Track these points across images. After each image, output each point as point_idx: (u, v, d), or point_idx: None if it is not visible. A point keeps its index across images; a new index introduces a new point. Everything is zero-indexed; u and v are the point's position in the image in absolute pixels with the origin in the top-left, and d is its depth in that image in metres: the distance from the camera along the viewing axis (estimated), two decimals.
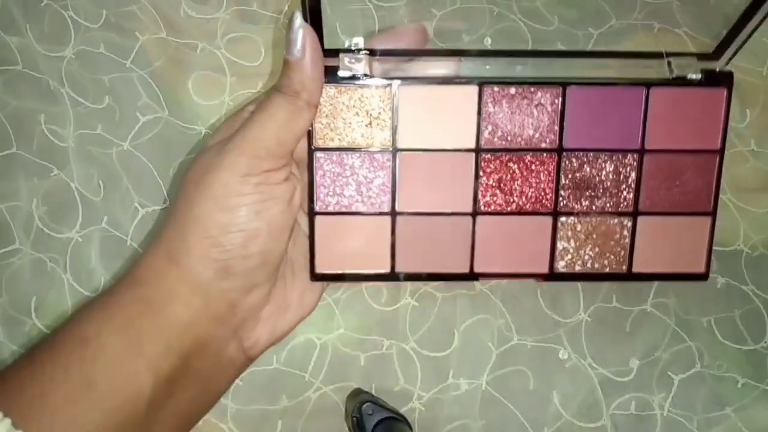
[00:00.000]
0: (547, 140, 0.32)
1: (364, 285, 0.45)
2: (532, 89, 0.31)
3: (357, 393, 0.43)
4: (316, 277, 0.32)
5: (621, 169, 0.32)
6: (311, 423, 0.43)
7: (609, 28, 0.47)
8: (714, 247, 0.47)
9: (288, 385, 0.44)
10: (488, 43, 0.46)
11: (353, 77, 0.30)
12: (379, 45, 0.31)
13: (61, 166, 0.46)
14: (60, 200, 0.45)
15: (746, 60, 0.51)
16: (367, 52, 0.30)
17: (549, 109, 0.31)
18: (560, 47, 0.47)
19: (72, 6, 0.47)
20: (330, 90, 0.30)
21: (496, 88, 0.31)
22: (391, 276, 0.32)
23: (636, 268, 0.33)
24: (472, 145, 0.31)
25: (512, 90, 0.31)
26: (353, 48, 0.30)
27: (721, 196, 0.48)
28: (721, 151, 0.33)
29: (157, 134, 0.46)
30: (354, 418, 0.40)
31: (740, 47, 0.31)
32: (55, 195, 0.45)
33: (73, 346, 0.26)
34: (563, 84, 0.31)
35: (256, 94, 0.47)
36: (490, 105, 0.31)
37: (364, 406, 0.40)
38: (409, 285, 0.45)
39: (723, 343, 0.46)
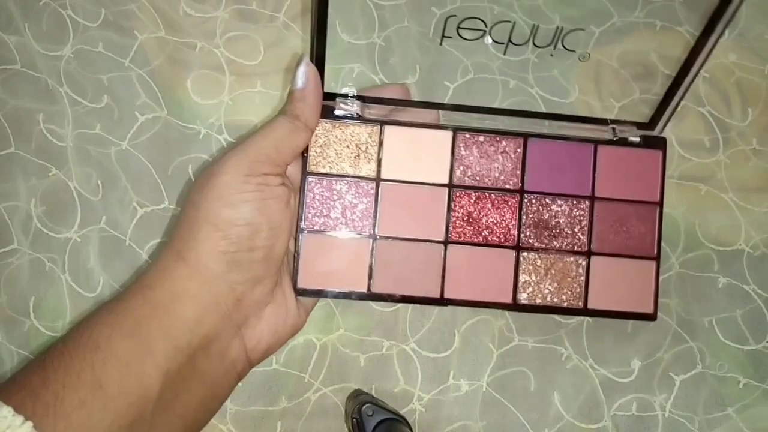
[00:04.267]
0: (511, 182, 0.36)
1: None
2: (498, 138, 0.36)
3: (357, 394, 0.43)
4: (298, 291, 0.34)
5: (575, 213, 0.36)
6: (311, 424, 0.43)
7: (611, 26, 0.47)
8: (715, 247, 0.48)
9: (287, 386, 0.44)
10: (488, 42, 0.46)
11: (346, 117, 0.35)
12: (369, 95, 0.35)
13: (59, 165, 0.45)
14: (58, 200, 0.45)
15: (747, 58, 0.51)
16: (358, 98, 0.35)
17: (512, 156, 0.36)
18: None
19: (71, 5, 0.47)
20: (326, 125, 0.35)
21: (467, 135, 0.36)
22: (368, 296, 0.35)
23: (591, 305, 0.36)
24: (446, 181, 0.36)
25: (481, 138, 0.36)
26: (348, 94, 0.35)
27: (722, 195, 0.49)
28: (660, 204, 0.37)
29: (155, 134, 0.46)
30: (354, 420, 0.40)
31: (670, 117, 0.36)
32: (54, 195, 0.45)
33: (84, 351, 0.27)
34: (525, 135, 0.36)
35: (256, 93, 0.47)
36: (462, 149, 0.36)
37: (364, 407, 0.40)
38: None
39: (724, 343, 0.46)
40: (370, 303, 0.45)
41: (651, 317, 0.37)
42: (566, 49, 0.36)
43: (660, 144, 0.37)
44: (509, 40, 0.37)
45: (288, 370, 0.44)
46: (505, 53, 0.38)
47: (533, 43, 0.36)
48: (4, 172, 0.45)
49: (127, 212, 0.45)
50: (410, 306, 0.45)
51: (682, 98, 0.35)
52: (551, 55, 0.35)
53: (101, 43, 0.47)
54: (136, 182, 0.45)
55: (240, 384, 0.44)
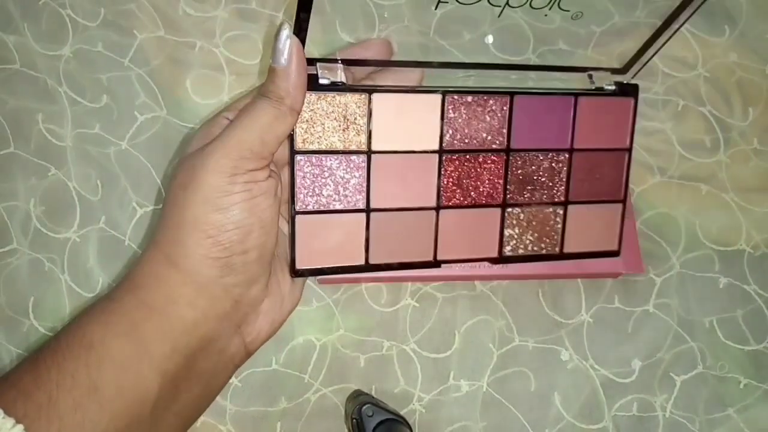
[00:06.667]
0: (497, 142, 0.36)
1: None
2: (485, 97, 0.36)
3: (357, 394, 0.43)
4: (296, 273, 0.34)
5: (555, 166, 0.38)
6: (310, 425, 0.43)
7: (611, 26, 0.47)
8: (716, 247, 0.48)
9: (287, 387, 0.44)
10: (489, 42, 0.46)
11: (332, 85, 0.32)
12: (349, 56, 0.33)
13: (58, 165, 0.45)
14: (58, 200, 0.45)
15: (748, 58, 0.51)
16: (340, 61, 0.32)
17: (499, 115, 0.36)
18: (561, 46, 0.47)
19: (70, 4, 0.47)
20: (311, 96, 0.32)
21: (456, 96, 0.35)
22: (366, 267, 0.35)
23: (566, 249, 0.38)
24: (436, 147, 0.35)
25: (469, 98, 0.35)
26: (328, 58, 0.32)
27: (723, 195, 0.48)
28: (629, 149, 0.39)
29: (155, 133, 0.46)
30: (354, 420, 0.40)
31: (644, 65, 0.37)
32: (53, 195, 0.45)
33: (78, 351, 0.26)
34: (511, 93, 0.36)
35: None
36: (451, 111, 0.35)
37: (364, 407, 0.40)
38: (409, 285, 0.45)
39: (725, 343, 0.46)
40: (370, 302, 0.44)
41: (615, 254, 0.39)
42: (561, 9, 0.36)
43: (633, 91, 0.38)
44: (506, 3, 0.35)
45: (288, 371, 0.44)
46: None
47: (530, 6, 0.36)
48: (3, 172, 0.45)
49: (126, 212, 0.45)
50: (410, 306, 0.45)
51: (660, 48, 0.36)
52: (545, 15, 0.36)
53: (101, 43, 0.46)
54: (136, 182, 0.45)
55: (239, 384, 0.44)
